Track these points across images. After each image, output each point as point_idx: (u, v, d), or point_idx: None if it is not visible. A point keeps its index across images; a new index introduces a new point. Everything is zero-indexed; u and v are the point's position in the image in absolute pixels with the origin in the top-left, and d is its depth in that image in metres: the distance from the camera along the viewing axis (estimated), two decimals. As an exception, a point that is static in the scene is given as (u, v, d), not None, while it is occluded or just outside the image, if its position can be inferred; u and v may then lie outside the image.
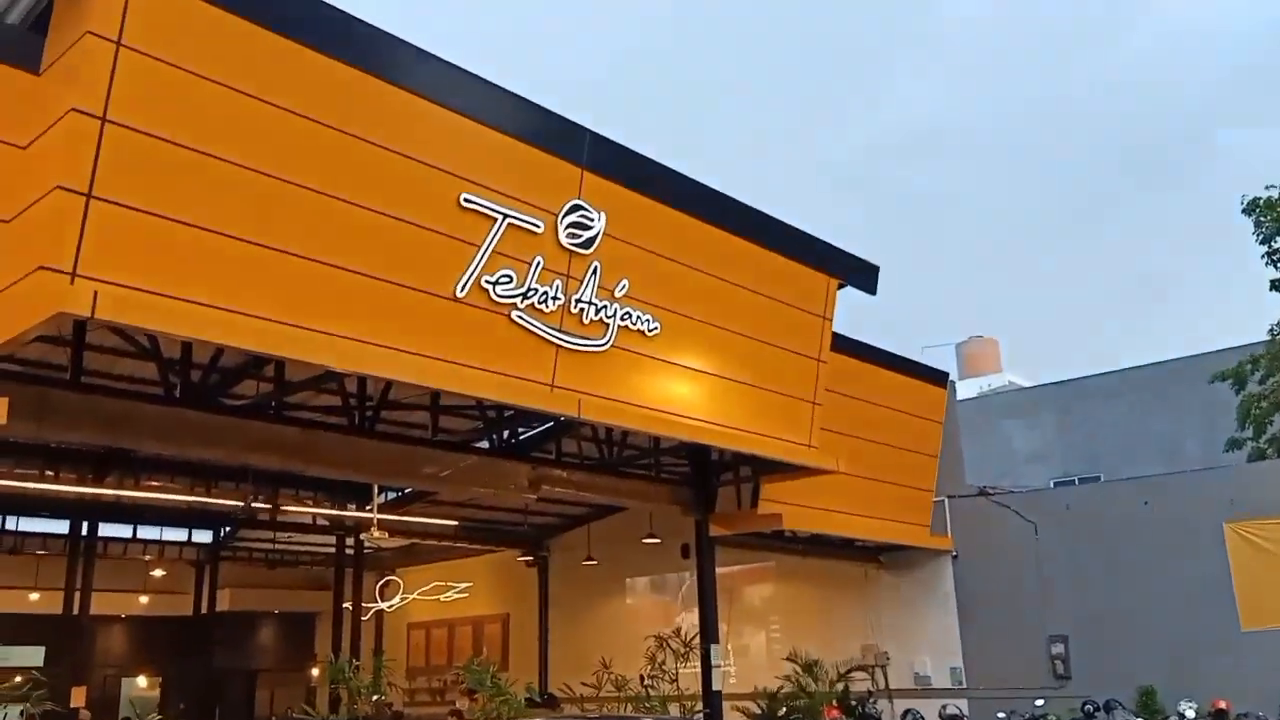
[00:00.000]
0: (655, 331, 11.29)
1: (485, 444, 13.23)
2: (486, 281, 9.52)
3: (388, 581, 23.83)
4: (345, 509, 18.05)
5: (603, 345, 10.75)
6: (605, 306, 10.70)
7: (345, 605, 21.11)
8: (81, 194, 6.96)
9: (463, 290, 9.36)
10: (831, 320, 14.00)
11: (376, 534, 15.31)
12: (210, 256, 7.69)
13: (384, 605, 22.76)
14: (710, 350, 12.29)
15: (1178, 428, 23.86)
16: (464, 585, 22.73)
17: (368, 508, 17.29)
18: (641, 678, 14.91)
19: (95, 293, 6.97)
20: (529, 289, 9.89)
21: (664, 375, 11.69)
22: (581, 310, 10.45)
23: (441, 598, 22.78)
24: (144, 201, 7.25)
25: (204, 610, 22.40)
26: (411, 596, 23.12)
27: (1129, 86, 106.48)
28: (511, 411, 12.08)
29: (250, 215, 7.88)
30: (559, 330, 10.26)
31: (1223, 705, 13.37)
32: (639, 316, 11.09)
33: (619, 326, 10.87)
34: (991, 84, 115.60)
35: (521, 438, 14.93)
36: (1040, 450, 25.84)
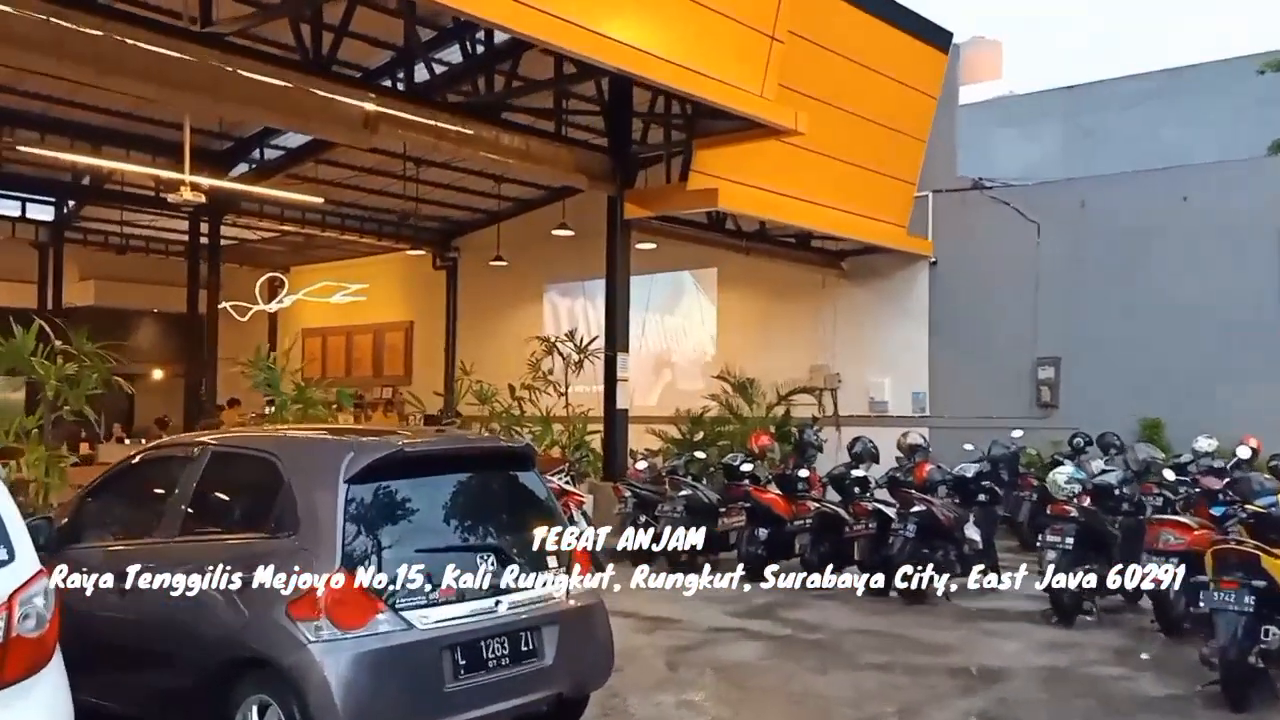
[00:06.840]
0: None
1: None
2: None
3: (275, 280, 20.59)
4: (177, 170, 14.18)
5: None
6: None
7: (223, 305, 17.79)
8: None
9: None
10: (802, -79, 10.10)
11: (188, 195, 11.75)
12: None
13: (265, 306, 19.56)
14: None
15: (1197, 140, 20.14)
16: (357, 286, 19.48)
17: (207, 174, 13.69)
18: (512, 389, 11.87)
19: None
20: None
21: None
22: None
23: (332, 299, 19.55)
24: None
25: (50, 303, 18.86)
26: (296, 296, 19.87)
27: None
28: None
29: None
30: None
31: (1254, 444, 10.47)
32: None
33: None
34: None
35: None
36: (1040, 164, 22.17)
